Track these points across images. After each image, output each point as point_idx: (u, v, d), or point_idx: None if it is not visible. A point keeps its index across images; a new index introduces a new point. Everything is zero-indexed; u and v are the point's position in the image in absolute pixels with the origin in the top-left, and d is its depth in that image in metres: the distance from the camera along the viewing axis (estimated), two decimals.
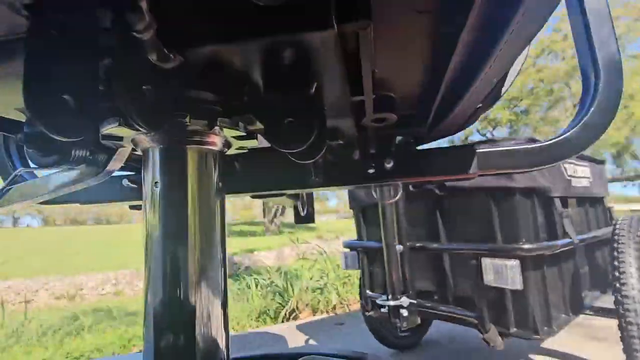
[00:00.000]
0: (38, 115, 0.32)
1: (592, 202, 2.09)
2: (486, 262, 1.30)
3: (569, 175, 1.77)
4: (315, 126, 0.43)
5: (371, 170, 0.83)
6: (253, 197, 0.88)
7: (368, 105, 0.58)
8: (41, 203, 0.87)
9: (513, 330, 1.33)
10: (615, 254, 1.43)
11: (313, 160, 0.55)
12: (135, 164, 0.79)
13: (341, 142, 0.73)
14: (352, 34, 0.41)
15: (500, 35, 0.42)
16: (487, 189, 1.43)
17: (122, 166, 0.55)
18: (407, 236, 1.48)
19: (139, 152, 0.50)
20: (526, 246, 1.32)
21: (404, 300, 1.42)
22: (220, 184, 0.51)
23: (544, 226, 1.47)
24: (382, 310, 1.54)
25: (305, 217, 1.07)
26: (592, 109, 0.73)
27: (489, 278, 1.29)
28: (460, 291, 1.46)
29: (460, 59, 0.49)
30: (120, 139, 0.45)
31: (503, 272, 1.25)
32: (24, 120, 0.47)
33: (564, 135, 0.79)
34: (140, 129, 0.34)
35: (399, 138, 0.94)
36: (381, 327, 2.12)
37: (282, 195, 0.87)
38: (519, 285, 1.25)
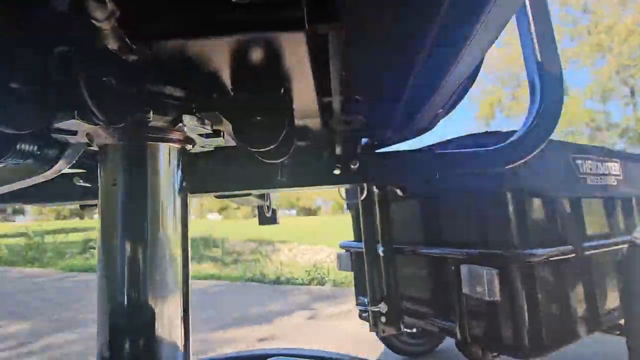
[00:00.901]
0: None
1: (624, 203, 1.83)
2: (464, 269, 1.16)
3: (584, 173, 1.52)
4: (284, 126, 0.44)
5: (337, 172, 0.85)
6: (217, 197, 0.86)
7: (336, 106, 0.59)
8: None
9: (494, 347, 1.17)
10: (628, 263, 1.29)
11: (280, 160, 0.55)
12: (88, 160, 0.74)
13: (309, 142, 0.73)
14: (323, 36, 0.42)
15: (460, 48, 0.45)
16: (468, 189, 1.32)
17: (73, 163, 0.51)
18: (389, 238, 1.35)
19: (94, 148, 0.47)
20: (507, 253, 1.15)
21: (382, 307, 1.31)
22: (183, 183, 0.49)
23: (536, 230, 1.26)
24: (364, 315, 1.52)
25: (269, 219, 1.06)
26: (539, 115, 0.79)
27: (466, 287, 1.15)
28: (443, 299, 1.32)
29: (422, 68, 0.52)
30: (75, 133, 0.42)
31: (480, 281, 1.10)
32: None
33: (514, 140, 0.85)
34: (99, 123, 0.32)
35: (364, 140, 0.96)
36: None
37: (247, 195, 0.86)
38: (497, 297, 1.10)
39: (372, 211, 1.35)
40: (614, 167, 1.75)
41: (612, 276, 1.47)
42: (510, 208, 1.19)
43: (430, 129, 1.04)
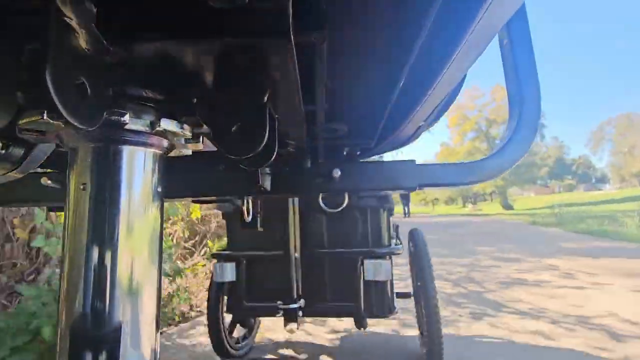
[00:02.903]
0: None
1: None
2: (368, 262, 1.62)
3: None
4: (266, 133, 0.43)
5: (319, 180, 0.84)
6: (194, 202, 0.83)
7: (320, 115, 0.59)
8: None
9: (376, 312, 1.67)
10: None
11: (261, 167, 0.54)
12: (54, 159, 0.70)
13: (291, 150, 0.73)
14: (307, 44, 0.41)
15: (444, 62, 0.46)
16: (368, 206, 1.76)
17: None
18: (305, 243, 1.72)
19: (64, 149, 0.45)
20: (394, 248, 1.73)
21: (301, 302, 1.66)
22: (158, 188, 0.47)
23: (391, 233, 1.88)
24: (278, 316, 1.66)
25: (250, 223, 1.04)
26: (516, 135, 0.82)
27: (369, 274, 1.60)
28: (340, 288, 1.70)
29: (406, 81, 0.52)
30: (43, 133, 0.39)
31: (380, 269, 1.59)
32: None
33: (494, 155, 0.87)
34: (73, 123, 0.30)
35: (347, 149, 0.96)
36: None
37: (226, 201, 0.84)
38: (389, 277, 1.63)
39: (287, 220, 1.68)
40: None
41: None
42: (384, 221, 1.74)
43: (413, 140, 1.06)
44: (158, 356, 0.46)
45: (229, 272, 1.70)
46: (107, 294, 0.41)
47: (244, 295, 1.72)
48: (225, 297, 1.88)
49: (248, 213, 1.06)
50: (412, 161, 0.86)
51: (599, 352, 1.91)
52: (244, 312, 1.78)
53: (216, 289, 1.91)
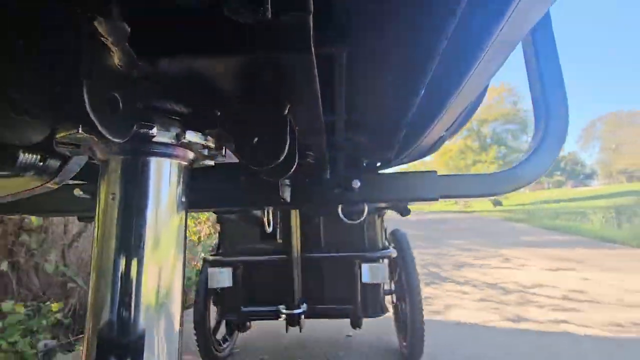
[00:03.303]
0: None
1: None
2: (364, 265, 1.67)
3: None
4: (286, 144, 0.43)
5: (338, 191, 0.84)
6: (216, 212, 0.85)
7: (339, 126, 0.59)
8: None
9: (371, 313, 1.72)
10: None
11: (282, 179, 0.55)
12: (87, 172, 0.74)
13: (311, 161, 0.73)
14: (329, 57, 0.42)
15: (466, 72, 0.45)
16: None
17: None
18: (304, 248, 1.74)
19: (96, 161, 0.47)
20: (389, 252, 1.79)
21: (304, 306, 1.69)
22: (183, 198, 0.48)
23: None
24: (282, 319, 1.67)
25: (270, 234, 1.05)
26: (542, 145, 0.79)
27: (366, 277, 1.66)
28: (338, 291, 1.74)
29: (427, 92, 0.52)
30: (77, 146, 0.42)
31: (377, 272, 1.65)
32: None
33: (517, 167, 0.85)
34: (105, 136, 0.32)
35: (366, 160, 0.96)
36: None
37: (247, 212, 0.85)
38: (385, 280, 1.71)
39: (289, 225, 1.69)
40: None
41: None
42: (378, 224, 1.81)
43: (434, 151, 1.04)
44: None
45: (226, 278, 1.69)
46: (132, 301, 0.42)
47: (241, 300, 1.72)
48: (212, 302, 1.88)
49: (269, 224, 1.07)
50: (434, 172, 0.84)
51: (490, 297, 3.40)
52: (241, 317, 1.77)
53: (205, 295, 1.89)
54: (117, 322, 0.42)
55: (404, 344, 1.95)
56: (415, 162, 1.27)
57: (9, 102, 0.30)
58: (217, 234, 1.90)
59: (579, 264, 4.83)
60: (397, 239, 2.00)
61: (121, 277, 0.42)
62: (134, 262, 0.43)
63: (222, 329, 2.14)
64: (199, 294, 1.94)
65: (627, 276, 4.04)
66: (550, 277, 4.15)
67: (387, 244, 1.89)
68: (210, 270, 1.71)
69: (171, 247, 0.46)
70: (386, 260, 1.72)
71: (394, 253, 1.79)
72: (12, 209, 0.79)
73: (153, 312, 0.43)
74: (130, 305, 0.42)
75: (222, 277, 1.68)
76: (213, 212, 1.94)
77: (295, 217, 1.69)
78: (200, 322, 1.88)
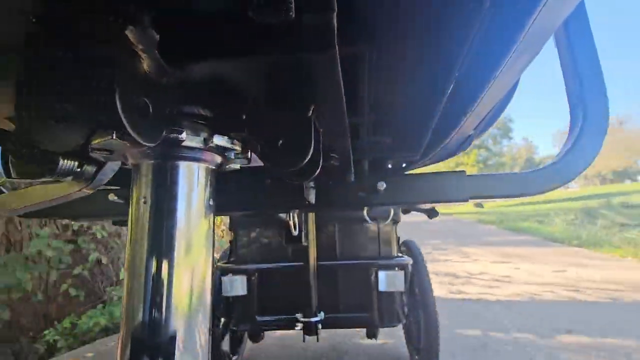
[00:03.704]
0: (30, 125, 0.31)
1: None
2: (381, 273, 1.64)
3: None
4: (311, 146, 0.43)
5: (363, 193, 0.83)
6: (243, 215, 0.86)
7: (364, 127, 0.59)
8: (20, 216, 0.83)
9: (387, 322, 1.68)
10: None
11: (306, 181, 0.55)
12: (120, 177, 0.77)
13: (336, 163, 0.73)
14: (353, 57, 0.42)
15: (495, 68, 0.43)
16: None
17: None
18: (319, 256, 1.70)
19: (127, 166, 0.49)
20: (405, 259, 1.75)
21: (321, 315, 1.65)
22: (211, 201, 0.49)
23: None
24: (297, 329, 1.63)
25: (296, 237, 1.05)
26: (579, 141, 0.75)
27: (382, 285, 1.63)
28: (354, 299, 1.70)
29: (455, 90, 0.50)
30: (111, 152, 0.43)
31: (394, 280, 1.63)
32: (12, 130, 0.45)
33: (552, 165, 0.80)
34: (138, 142, 0.33)
35: (392, 162, 0.94)
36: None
37: (272, 215, 0.86)
38: (403, 288, 1.66)
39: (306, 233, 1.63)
40: None
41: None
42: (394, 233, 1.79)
43: (461, 151, 1.01)
44: None
45: (240, 286, 1.65)
46: (164, 303, 0.43)
47: (256, 309, 1.68)
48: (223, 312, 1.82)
49: (295, 227, 1.07)
50: (462, 172, 0.82)
51: (445, 281, 4.36)
52: (256, 326, 1.73)
53: (217, 304, 1.79)
54: (150, 323, 0.43)
55: (416, 357, 1.89)
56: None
57: (50, 110, 0.32)
58: (229, 241, 1.86)
59: (518, 258, 5.99)
60: (410, 247, 1.96)
61: (153, 279, 0.43)
62: (165, 264, 0.44)
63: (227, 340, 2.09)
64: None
65: (543, 266, 5.28)
66: (493, 267, 5.32)
67: (400, 252, 1.85)
68: (224, 278, 1.66)
69: (201, 249, 0.46)
70: (402, 269, 1.68)
71: (409, 261, 1.74)
72: (51, 213, 0.83)
73: (184, 313, 0.44)
74: (162, 307, 0.43)
75: (235, 285, 1.64)
76: (228, 218, 1.94)
77: (311, 223, 1.67)
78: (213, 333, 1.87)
